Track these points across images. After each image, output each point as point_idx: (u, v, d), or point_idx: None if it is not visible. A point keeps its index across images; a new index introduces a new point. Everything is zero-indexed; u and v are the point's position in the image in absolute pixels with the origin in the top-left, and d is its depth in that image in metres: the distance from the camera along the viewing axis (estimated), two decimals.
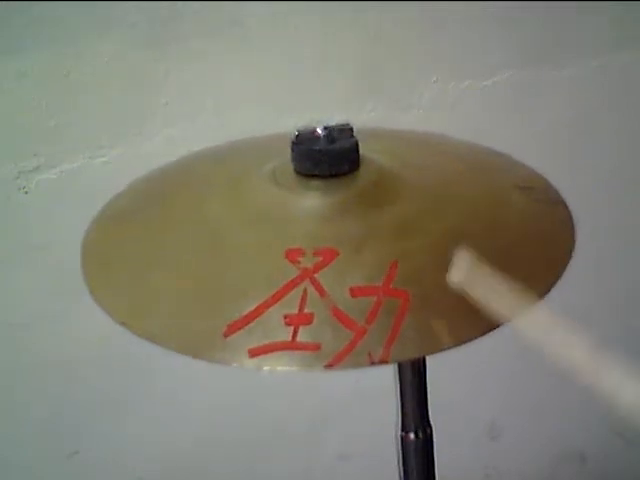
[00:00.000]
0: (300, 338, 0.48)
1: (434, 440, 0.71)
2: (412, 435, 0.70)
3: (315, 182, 0.59)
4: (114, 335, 1.03)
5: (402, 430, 0.71)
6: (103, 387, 1.05)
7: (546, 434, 1.33)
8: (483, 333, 0.52)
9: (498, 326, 0.52)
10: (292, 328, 0.49)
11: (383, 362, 0.48)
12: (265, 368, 0.47)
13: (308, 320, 0.49)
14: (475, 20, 1.08)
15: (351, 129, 0.62)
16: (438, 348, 0.51)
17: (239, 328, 0.49)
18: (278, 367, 0.48)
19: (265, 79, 1.01)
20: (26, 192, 0.94)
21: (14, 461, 1.04)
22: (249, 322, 0.49)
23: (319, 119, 0.63)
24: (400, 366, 0.69)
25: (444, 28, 1.07)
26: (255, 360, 0.48)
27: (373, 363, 0.48)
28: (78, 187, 0.96)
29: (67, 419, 1.05)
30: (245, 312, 0.49)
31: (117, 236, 0.61)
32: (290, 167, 0.61)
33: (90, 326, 1.01)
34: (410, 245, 0.55)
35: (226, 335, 0.49)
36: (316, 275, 0.51)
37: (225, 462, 1.15)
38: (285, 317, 0.49)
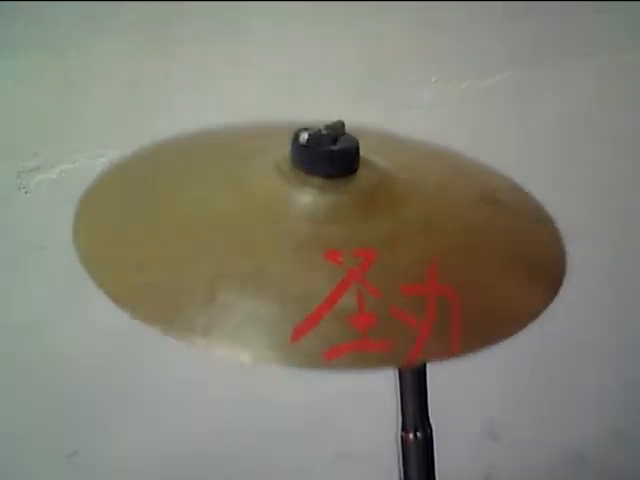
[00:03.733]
0: (370, 337, 0.48)
1: (434, 440, 0.71)
2: (412, 435, 0.70)
3: (315, 180, 0.59)
4: (114, 335, 1.03)
5: (402, 430, 0.71)
6: (103, 387, 1.05)
7: (546, 434, 1.33)
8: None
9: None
10: (360, 329, 0.48)
11: (456, 354, 0.49)
12: (346, 370, 0.47)
13: (372, 320, 0.49)
14: (475, 20, 1.08)
15: (342, 125, 0.62)
16: (502, 337, 0.53)
17: (306, 331, 0.48)
18: (356, 368, 0.48)
19: (265, 79, 1.01)
20: (26, 192, 0.94)
21: (14, 461, 1.04)
22: (314, 325, 0.48)
23: (319, 119, 0.63)
24: None
25: (444, 28, 1.07)
26: (333, 362, 0.47)
27: (450, 355, 0.49)
28: (78, 187, 0.96)
29: (67, 419, 1.05)
30: (306, 314, 0.48)
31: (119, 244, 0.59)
32: (291, 166, 0.61)
33: (90, 326, 1.01)
34: (440, 242, 0.57)
35: (294, 339, 0.47)
36: (364, 275, 0.51)
37: (225, 462, 1.14)
38: (349, 318, 0.49)
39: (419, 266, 0.53)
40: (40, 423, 1.04)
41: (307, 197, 0.59)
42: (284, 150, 0.62)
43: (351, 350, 0.47)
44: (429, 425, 0.71)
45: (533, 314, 0.55)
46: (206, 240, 0.56)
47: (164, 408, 1.09)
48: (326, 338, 0.48)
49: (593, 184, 1.20)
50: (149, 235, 0.57)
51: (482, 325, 0.53)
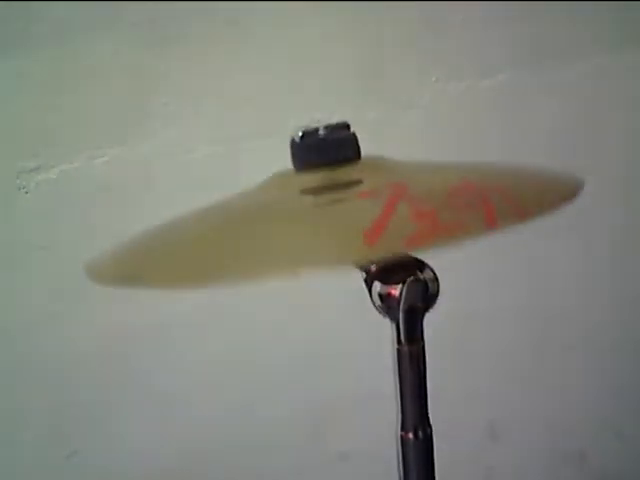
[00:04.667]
0: (442, 222, 0.50)
1: (434, 440, 0.71)
2: (412, 435, 0.70)
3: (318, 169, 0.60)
4: (114, 335, 1.03)
5: (402, 430, 0.71)
6: (103, 387, 1.05)
7: (546, 434, 1.33)
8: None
9: None
10: (428, 220, 0.50)
11: (530, 216, 0.52)
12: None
13: (434, 213, 0.51)
14: (475, 20, 1.08)
15: (348, 126, 0.62)
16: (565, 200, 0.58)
17: (377, 235, 0.49)
18: (447, 241, 0.49)
19: (265, 79, 1.01)
20: (26, 192, 0.94)
21: (14, 461, 1.04)
22: (382, 228, 0.49)
23: (319, 119, 0.63)
24: (400, 365, 0.69)
25: (444, 28, 1.07)
26: (419, 243, 0.49)
27: (525, 217, 0.52)
28: (78, 187, 0.96)
29: (67, 419, 1.05)
30: (371, 224, 0.50)
31: None
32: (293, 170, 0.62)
33: (90, 326, 1.01)
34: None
35: (370, 243, 0.48)
36: (406, 193, 0.53)
37: (225, 461, 1.14)
38: (412, 217, 0.50)
39: (451, 182, 0.56)
40: (39, 423, 1.04)
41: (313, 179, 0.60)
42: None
43: (432, 235, 0.49)
44: (429, 425, 0.71)
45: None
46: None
47: (163, 408, 1.09)
48: (400, 233, 0.49)
49: (593, 184, 1.20)
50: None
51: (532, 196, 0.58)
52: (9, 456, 1.04)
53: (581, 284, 1.21)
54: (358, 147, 0.62)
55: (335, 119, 0.63)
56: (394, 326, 0.63)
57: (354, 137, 0.62)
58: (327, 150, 0.61)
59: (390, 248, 0.50)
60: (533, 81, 1.13)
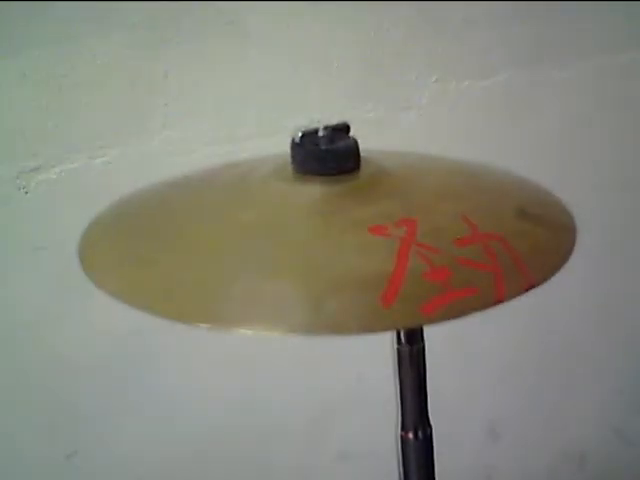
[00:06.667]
0: (455, 287, 0.50)
1: (434, 440, 0.71)
2: (412, 435, 0.70)
3: (318, 178, 0.60)
4: (113, 335, 1.03)
5: (402, 430, 0.71)
6: (103, 387, 1.05)
7: (546, 434, 1.33)
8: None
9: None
10: (440, 282, 0.50)
11: (536, 284, 0.52)
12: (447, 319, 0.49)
13: (447, 273, 0.51)
14: (475, 20, 1.08)
15: (347, 127, 0.62)
16: (565, 259, 0.56)
17: (393, 297, 0.49)
18: (456, 315, 0.49)
19: (265, 79, 1.01)
20: (26, 192, 0.94)
21: (13, 461, 1.04)
22: (397, 290, 0.49)
23: (319, 119, 0.63)
24: (400, 365, 0.69)
25: (444, 28, 1.07)
26: (433, 315, 0.48)
27: (532, 286, 0.52)
28: (78, 187, 0.96)
29: (66, 419, 1.05)
30: (386, 284, 0.49)
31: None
32: (292, 169, 0.62)
33: (90, 326, 1.01)
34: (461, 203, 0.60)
35: (386, 305, 0.49)
36: (417, 239, 0.53)
37: (225, 462, 1.14)
38: (424, 276, 0.50)
39: (457, 223, 0.56)
40: (39, 423, 1.04)
41: (314, 191, 0.60)
42: (276, 163, 0.63)
43: (445, 301, 0.49)
44: (429, 425, 0.71)
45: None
46: (245, 250, 0.56)
47: (163, 408, 1.09)
48: (415, 296, 0.49)
49: (593, 184, 1.20)
50: (178, 257, 0.57)
51: (538, 255, 0.56)
52: (9, 456, 1.04)
53: (582, 284, 1.21)
54: (359, 157, 0.62)
55: (335, 119, 0.63)
56: None
57: (355, 147, 0.62)
58: (327, 161, 0.60)
59: (403, 320, 0.50)
60: (533, 81, 1.13)
